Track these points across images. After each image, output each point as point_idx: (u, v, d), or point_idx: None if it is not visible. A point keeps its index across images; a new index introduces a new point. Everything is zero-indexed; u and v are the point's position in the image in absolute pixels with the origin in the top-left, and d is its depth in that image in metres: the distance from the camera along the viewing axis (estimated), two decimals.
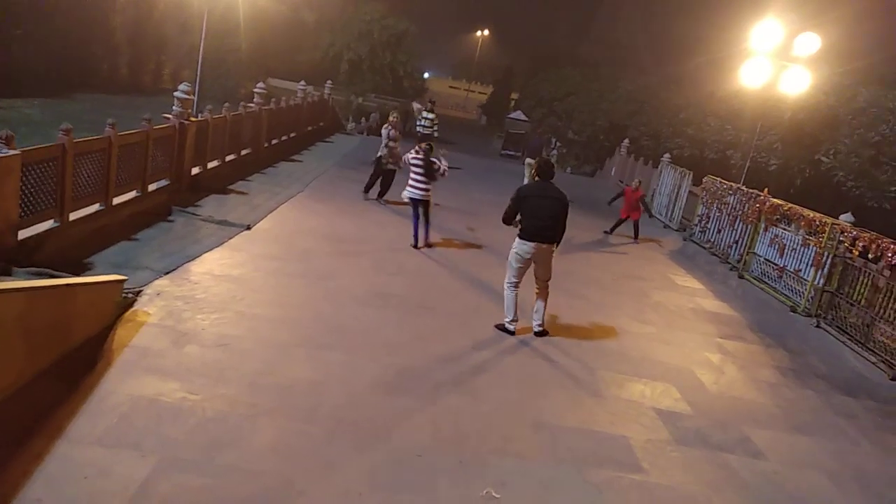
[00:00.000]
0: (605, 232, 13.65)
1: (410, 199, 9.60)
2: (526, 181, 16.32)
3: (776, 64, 13.13)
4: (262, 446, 4.47)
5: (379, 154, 12.29)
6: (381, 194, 12.34)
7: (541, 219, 6.87)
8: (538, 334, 7.19)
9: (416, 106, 18.21)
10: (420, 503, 4.19)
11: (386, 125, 12.71)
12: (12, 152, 6.04)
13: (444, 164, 9.77)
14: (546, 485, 4.59)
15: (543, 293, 7.22)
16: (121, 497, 3.76)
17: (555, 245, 7.05)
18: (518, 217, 6.97)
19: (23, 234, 6.51)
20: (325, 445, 4.60)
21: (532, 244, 6.90)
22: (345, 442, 4.67)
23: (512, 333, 7.11)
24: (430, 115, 17.91)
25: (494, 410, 5.50)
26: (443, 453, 4.73)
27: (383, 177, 12.26)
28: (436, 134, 17.98)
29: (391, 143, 12.18)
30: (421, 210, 9.65)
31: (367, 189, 12.53)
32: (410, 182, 9.63)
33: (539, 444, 5.12)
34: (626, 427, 5.61)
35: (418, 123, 17.96)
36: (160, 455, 4.17)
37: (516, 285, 7.12)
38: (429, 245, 9.81)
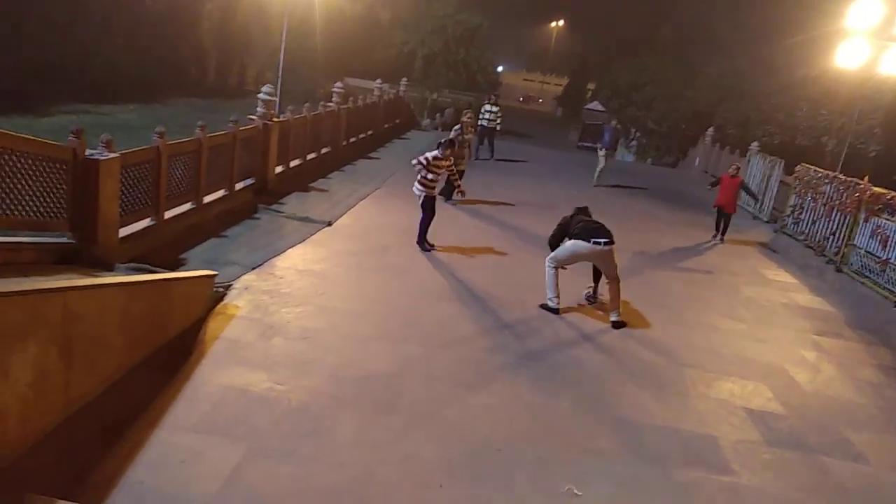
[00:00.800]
0: (718, 239, 12.13)
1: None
2: (599, 170, 16.11)
3: (875, 44, 12.26)
4: (344, 437, 4.58)
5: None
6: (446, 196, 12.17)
7: (595, 227, 7.15)
8: (615, 325, 7.21)
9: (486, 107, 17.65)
10: (499, 497, 4.18)
11: (457, 126, 12.75)
12: (112, 155, 6.42)
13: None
14: (629, 484, 4.47)
15: (614, 287, 7.27)
16: (215, 481, 3.95)
17: (612, 245, 7.10)
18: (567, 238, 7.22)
19: (123, 231, 6.90)
20: (404, 437, 4.66)
21: (587, 244, 7.04)
22: (424, 434, 4.72)
23: (556, 312, 7.28)
24: (494, 109, 17.61)
25: (575, 407, 5.41)
26: (521, 449, 4.70)
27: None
28: (498, 127, 17.87)
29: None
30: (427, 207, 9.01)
31: (442, 193, 12.46)
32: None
33: (621, 441, 5.00)
34: (714, 427, 5.40)
35: (481, 117, 17.66)
36: (249, 443, 4.34)
37: (557, 268, 7.34)
38: (431, 246, 8.99)
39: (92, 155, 6.22)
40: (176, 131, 10.24)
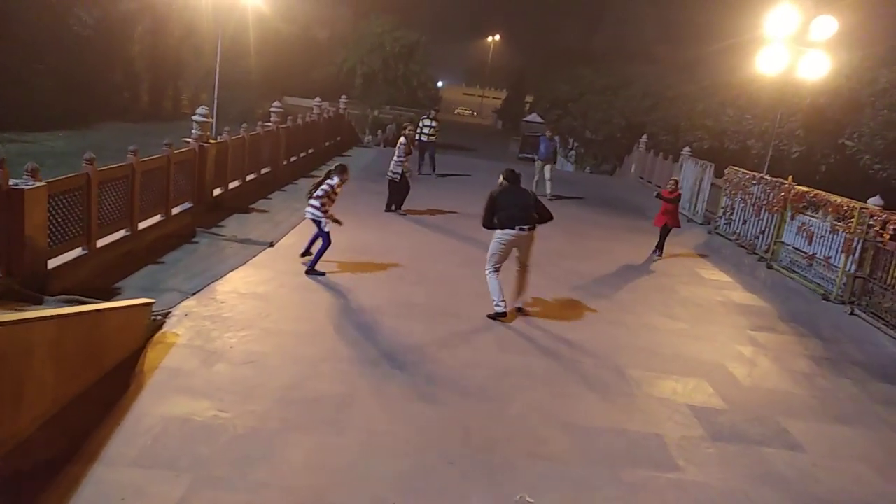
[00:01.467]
0: (656, 254, 11.65)
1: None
2: (535, 181, 16.17)
3: (793, 49, 12.93)
4: (295, 461, 4.49)
5: (398, 171, 12.33)
6: (397, 205, 12.56)
7: (515, 208, 7.45)
8: (520, 310, 7.69)
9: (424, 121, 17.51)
10: None
11: (402, 138, 12.82)
12: (38, 184, 6.19)
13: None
14: (580, 487, 4.54)
15: (525, 275, 7.74)
16: None
17: (534, 231, 7.54)
18: (495, 218, 7.52)
19: (52, 262, 6.64)
20: (356, 457, 4.61)
21: (513, 231, 7.40)
22: (376, 453, 4.68)
23: (504, 315, 7.52)
24: (434, 123, 17.47)
25: (524, 414, 5.46)
26: (474, 460, 4.71)
27: (398, 189, 12.46)
28: (434, 140, 17.66)
29: (402, 158, 12.25)
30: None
31: (390, 207, 12.58)
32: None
33: (570, 445, 5.07)
34: (659, 425, 5.54)
35: (419, 132, 17.30)
36: (194, 474, 4.21)
37: (497, 270, 7.61)
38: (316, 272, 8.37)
39: (17, 184, 5.98)
40: (108, 157, 9.94)
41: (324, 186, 8.46)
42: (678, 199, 11.72)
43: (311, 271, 8.32)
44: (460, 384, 5.85)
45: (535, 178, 16.35)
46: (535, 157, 17.10)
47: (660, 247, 11.72)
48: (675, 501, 4.52)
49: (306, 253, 8.81)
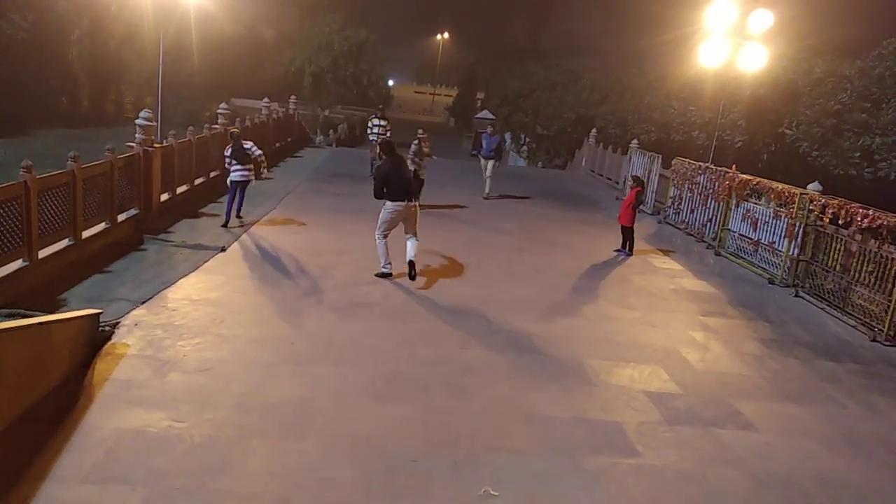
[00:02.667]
0: (621, 252, 11.28)
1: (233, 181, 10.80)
2: (486, 177, 15.58)
3: (733, 42, 13.33)
4: (255, 468, 4.41)
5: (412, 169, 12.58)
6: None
7: (400, 184, 8.44)
8: (411, 271, 8.47)
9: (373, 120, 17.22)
10: None
11: (415, 141, 13.27)
12: None
13: (257, 151, 11.02)
14: (542, 477, 4.59)
15: (415, 242, 8.61)
16: None
17: (416, 203, 8.61)
18: (385, 189, 8.44)
19: None
20: (318, 461, 4.55)
21: (402, 203, 8.41)
22: (338, 455, 4.64)
23: (389, 276, 8.54)
24: (383, 122, 16.85)
25: (485, 408, 5.49)
26: (437, 457, 4.71)
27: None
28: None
29: (416, 160, 12.90)
30: (238, 190, 10.79)
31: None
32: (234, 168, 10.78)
33: (532, 437, 5.12)
34: (618, 412, 5.63)
35: (370, 132, 16.96)
36: (150, 486, 4.09)
37: (386, 236, 8.57)
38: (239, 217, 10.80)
39: None
40: (48, 164, 9.61)
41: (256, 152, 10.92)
42: (638, 194, 11.27)
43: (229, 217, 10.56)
44: (421, 381, 5.84)
45: (485, 175, 15.71)
46: (479, 155, 16.92)
47: (626, 245, 11.29)
48: (635, 486, 4.61)
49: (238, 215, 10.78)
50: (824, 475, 5.01)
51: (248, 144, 10.87)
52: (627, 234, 11.28)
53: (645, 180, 13.19)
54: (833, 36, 19.25)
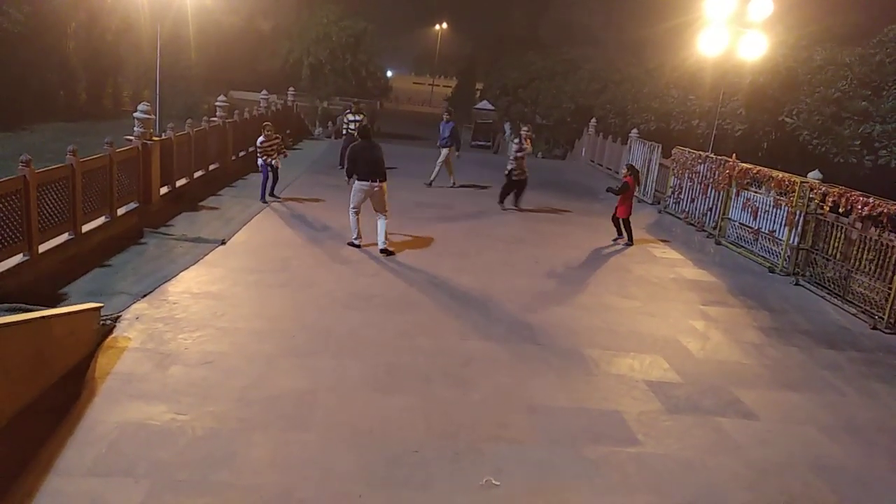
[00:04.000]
0: (619, 240, 11.31)
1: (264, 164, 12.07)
2: (438, 162, 15.14)
3: (733, 30, 13.28)
4: (257, 460, 4.44)
5: (509, 167, 13.07)
6: (516, 202, 13.34)
7: (368, 165, 9.17)
8: (383, 252, 9.20)
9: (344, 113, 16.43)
10: (419, 499, 4.19)
11: (515, 138, 13.22)
12: None
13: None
14: (543, 466, 4.61)
15: (383, 220, 9.33)
16: None
17: (383, 183, 9.25)
18: (354, 169, 9.24)
19: None
20: (320, 452, 4.57)
21: (367, 183, 9.16)
22: (340, 446, 4.66)
23: (358, 247, 9.39)
24: (358, 117, 15.62)
25: (486, 398, 5.51)
26: (438, 447, 4.73)
27: (517, 187, 13.23)
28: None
29: (519, 155, 13.02)
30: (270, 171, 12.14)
31: (501, 199, 13.37)
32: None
33: (533, 427, 5.14)
34: (618, 402, 5.65)
35: (345, 127, 16.21)
36: (153, 479, 4.12)
37: (357, 212, 9.40)
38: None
39: None
40: (47, 158, 9.60)
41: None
42: (625, 186, 11.15)
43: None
44: (422, 372, 5.86)
45: (440, 161, 15.14)
46: (490, 145, 16.76)
47: (625, 234, 11.24)
48: (635, 474, 4.63)
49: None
50: (824, 462, 5.04)
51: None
52: (625, 226, 11.22)
53: (639, 171, 12.95)
54: (833, 23, 19.16)
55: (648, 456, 4.87)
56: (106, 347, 5.75)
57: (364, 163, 9.17)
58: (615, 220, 11.33)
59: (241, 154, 15.85)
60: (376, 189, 9.20)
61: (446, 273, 8.76)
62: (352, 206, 9.41)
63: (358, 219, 9.42)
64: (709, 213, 12.70)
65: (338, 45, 35.35)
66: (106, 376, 5.29)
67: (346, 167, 9.44)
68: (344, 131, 16.70)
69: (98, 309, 6.00)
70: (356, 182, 9.25)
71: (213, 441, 4.58)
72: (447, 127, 15.38)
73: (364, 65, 36.58)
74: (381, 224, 9.34)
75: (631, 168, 11.71)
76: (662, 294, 8.83)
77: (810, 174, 10.51)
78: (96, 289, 7.05)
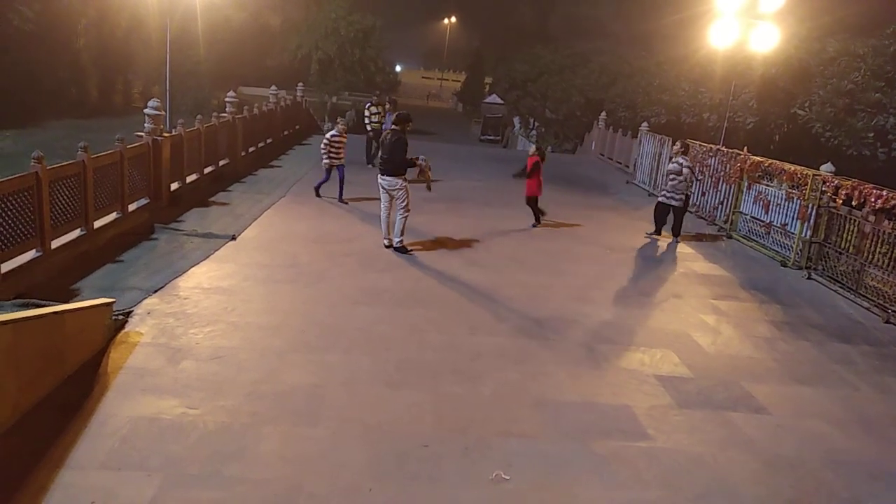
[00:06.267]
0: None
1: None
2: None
3: (744, 22, 13.15)
4: (268, 454, 4.46)
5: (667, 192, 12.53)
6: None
7: (381, 166, 9.16)
8: (389, 247, 9.21)
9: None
10: (429, 493, 4.20)
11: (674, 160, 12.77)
12: None
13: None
14: (553, 461, 4.61)
15: (389, 213, 9.25)
16: None
17: (389, 178, 9.02)
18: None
19: (5, 266, 6.43)
20: (330, 446, 4.59)
21: (379, 175, 9.18)
22: (350, 441, 4.67)
23: (388, 247, 9.27)
24: (377, 109, 16.13)
25: (495, 393, 5.51)
26: (448, 441, 4.74)
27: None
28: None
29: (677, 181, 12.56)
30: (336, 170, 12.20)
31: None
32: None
33: (542, 421, 5.14)
34: (628, 396, 5.64)
35: (367, 121, 16.36)
36: (165, 473, 4.15)
37: (387, 206, 9.24)
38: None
39: None
40: (59, 155, 9.66)
41: (323, 141, 12.15)
42: (535, 165, 11.32)
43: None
44: (432, 368, 5.87)
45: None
46: (499, 139, 16.80)
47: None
48: (646, 469, 4.62)
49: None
50: (836, 457, 5.00)
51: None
52: (533, 206, 11.47)
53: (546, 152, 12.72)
54: (846, 14, 18.92)
55: (659, 451, 4.86)
56: (118, 342, 5.79)
57: (378, 153, 9.15)
58: (528, 200, 11.51)
59: (251, 150, 15.89)
60: (383, 181, 9.11)
61: (455, 268, 8.75)
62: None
63: (388, 215, 9.23)
64: (720, 206, 12.62)
65: (346, 40, 35.36)
66: (118, 371, 5.33)
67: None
68: (367, 125, 16.45)
69: (110, 304, 6.04)
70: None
71: (225, 435, 4.60)
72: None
73: (373, 60, 36.59)
74: (395, 218, 9.21)
75: (538, 149, 12.06)
76: (673, 288, 8.79)
77: (823, 167, 10.40)
78: (108, 284, 7.11)
